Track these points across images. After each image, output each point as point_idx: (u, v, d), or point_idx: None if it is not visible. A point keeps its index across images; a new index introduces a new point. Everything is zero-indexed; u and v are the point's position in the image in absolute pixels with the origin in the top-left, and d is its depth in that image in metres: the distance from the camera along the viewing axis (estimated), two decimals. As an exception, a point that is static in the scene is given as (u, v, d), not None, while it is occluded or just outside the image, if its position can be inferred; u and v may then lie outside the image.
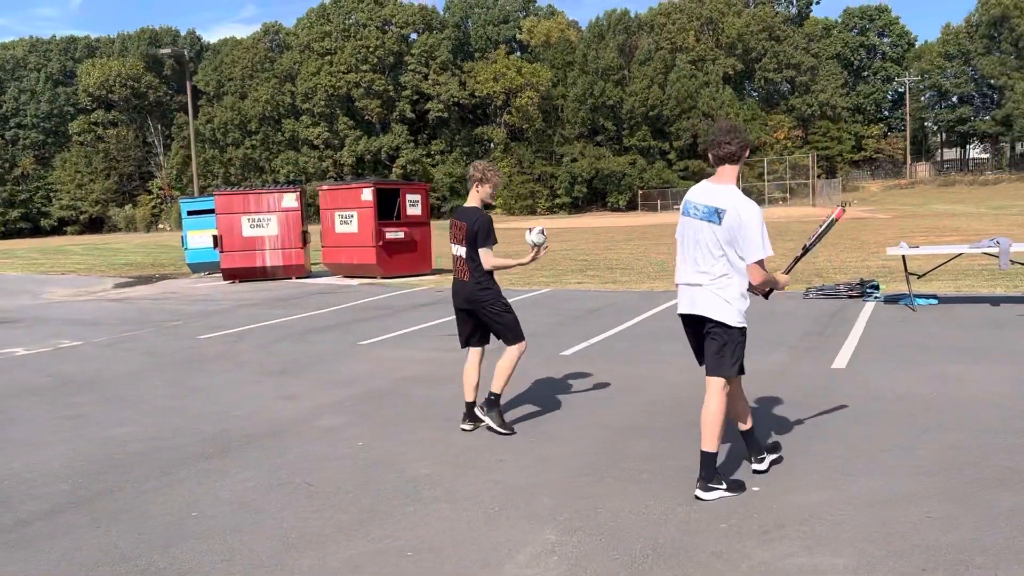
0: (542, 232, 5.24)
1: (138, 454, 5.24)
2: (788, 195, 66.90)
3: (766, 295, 4.22)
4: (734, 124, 4.13)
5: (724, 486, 4.03)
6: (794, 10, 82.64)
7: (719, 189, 4.06)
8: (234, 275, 17.95)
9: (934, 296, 10.31)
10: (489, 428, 5.37)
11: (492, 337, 5.57)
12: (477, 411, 5.45)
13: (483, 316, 5.39)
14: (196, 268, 20.41)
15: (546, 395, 6.37)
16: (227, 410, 6.33)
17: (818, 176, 66.10)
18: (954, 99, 73.42)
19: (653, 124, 71.14)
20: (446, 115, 78.73)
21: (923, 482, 4.13)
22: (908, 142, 75.60)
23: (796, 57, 74.34)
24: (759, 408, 5.64)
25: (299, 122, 78.85)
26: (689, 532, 3.67)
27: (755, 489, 4.15)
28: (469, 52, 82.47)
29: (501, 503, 4.13)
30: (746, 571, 3.26)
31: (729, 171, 4.09)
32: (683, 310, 4.26)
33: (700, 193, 4.16)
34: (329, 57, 77.61)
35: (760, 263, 3.96)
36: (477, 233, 5.25)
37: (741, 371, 4.19)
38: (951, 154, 79.60)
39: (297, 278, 18.10)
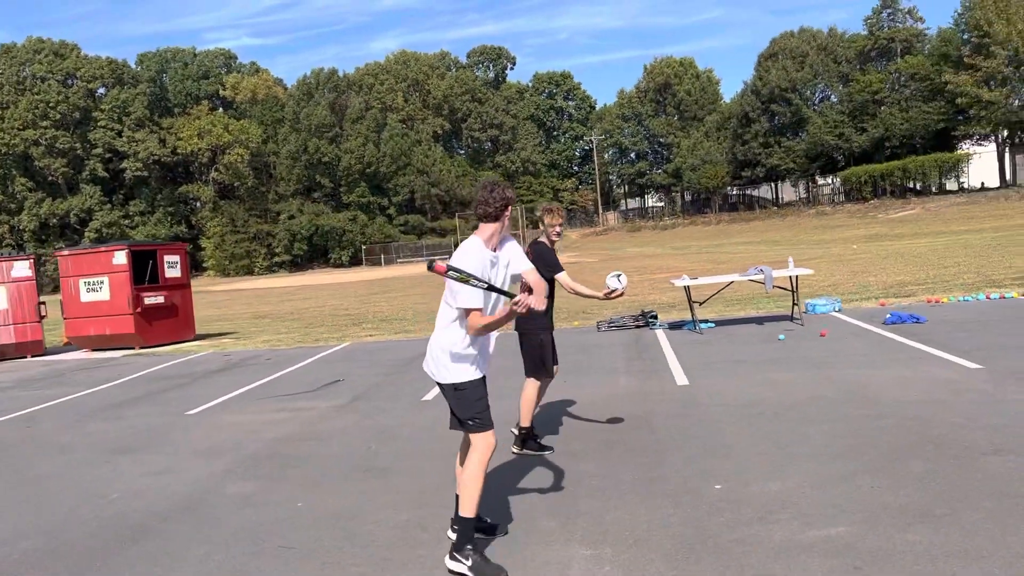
0: (619, 278, 5.67)
1: (34, 551, 4.53)
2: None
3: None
4: (495, 182, 4.03)
5: (469, 563, 3.72)
6: (492, 74, 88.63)
7: (464, 244, 3.94)
8: (-50, 358, 15.38)
9: (710, 320, 11.80)
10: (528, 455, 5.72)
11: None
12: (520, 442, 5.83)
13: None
14: None
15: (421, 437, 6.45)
16: (100, 493, 5.63)
17: (525, 227, 70.85)
18: (633, 155, 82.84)
19: (371, 180, 72.02)
20: (145, 174, 73.47)
21: (843, 463, 4.90)
22: (598, 194, 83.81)
23: (498, 118, 79.63)
24: (667, 423, 6.22)
25: (-37, 184, 69.02)
26: (694, 529, 4.05)
27: (717, 487, 4.66)
28: (168, 108, 77.87)
29: (517, 524, 4.22)
30: (777, 547, 3.72)
31: (485, 228, 3.94)
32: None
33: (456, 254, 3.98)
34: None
35: (471, 311, 3.75)
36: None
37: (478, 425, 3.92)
38: (634, 203, 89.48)
39: (33, 356, 15.93)
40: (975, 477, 4.41)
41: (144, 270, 16.01)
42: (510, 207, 4.00)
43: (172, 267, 16.34)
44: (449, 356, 3.90)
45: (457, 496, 3.92)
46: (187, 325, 16.60)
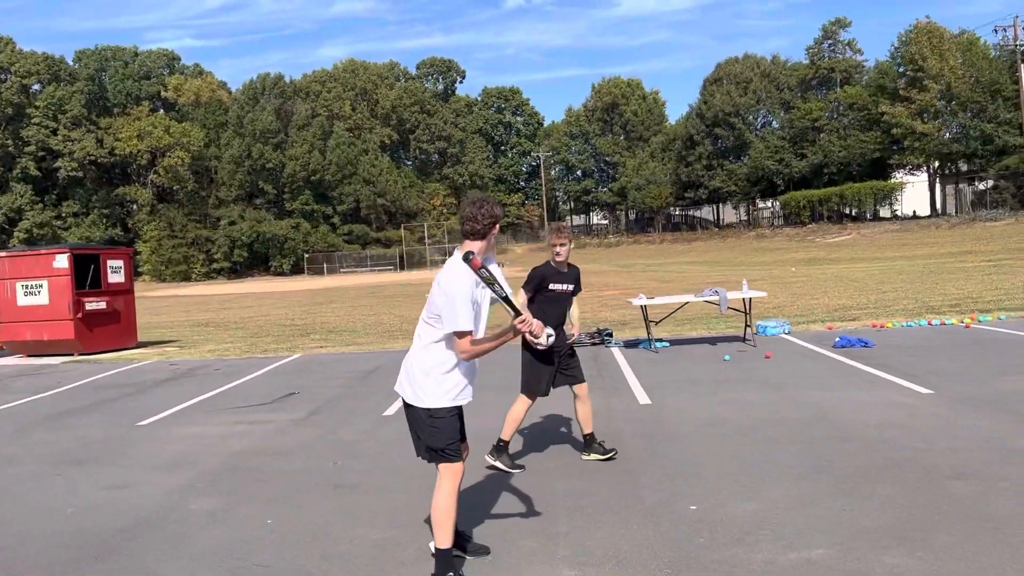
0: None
1: (-3, 569, 4.34)
2: (447, 257, 70.23)
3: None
4: (484, 198, 3.89)
5: None
6: (441, 87, 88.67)
7: (447, 263, 3.85)
8: None
9: (664, 340, 11.96)
10: (497, 469, 5.74)
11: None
12: (491, 456, 5.83)
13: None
14: None
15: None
16: (54, 508, 5.42)
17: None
18: (579, 172, 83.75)
19: (315, 188, 71.18)
20: (80, 174, 71.30)
21: (812, 484, 5.01)
22: (544, 209, 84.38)
23: (446, 130, 79.67)
24: (636, 443, 6.27)
25: None
26: (675, 549, 4.09)
27: (692, 507, 4.71)
28: (107, 107, 75.79)
29: (498, 544, 4.19)
30: (759, 570, 3.78)
31: (470, 246, 3.82)
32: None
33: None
34: (-75, 104, 66.43)
35: (463, 335, 3.63)
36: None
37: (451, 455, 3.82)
38: (579, 220, 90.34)
39: (-36, 360, 15.25)
40: (942, 500, 4.56)
41: (86, 274, 15.50)
42: (497, 225, 3.89)
43: (116, 272, 15.85)
44: (430, 379, 3.74)
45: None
46: (129, 332, 16.12)
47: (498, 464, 5.76)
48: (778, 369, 9.31)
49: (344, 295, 34.12)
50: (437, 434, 3.75)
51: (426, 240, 71.24)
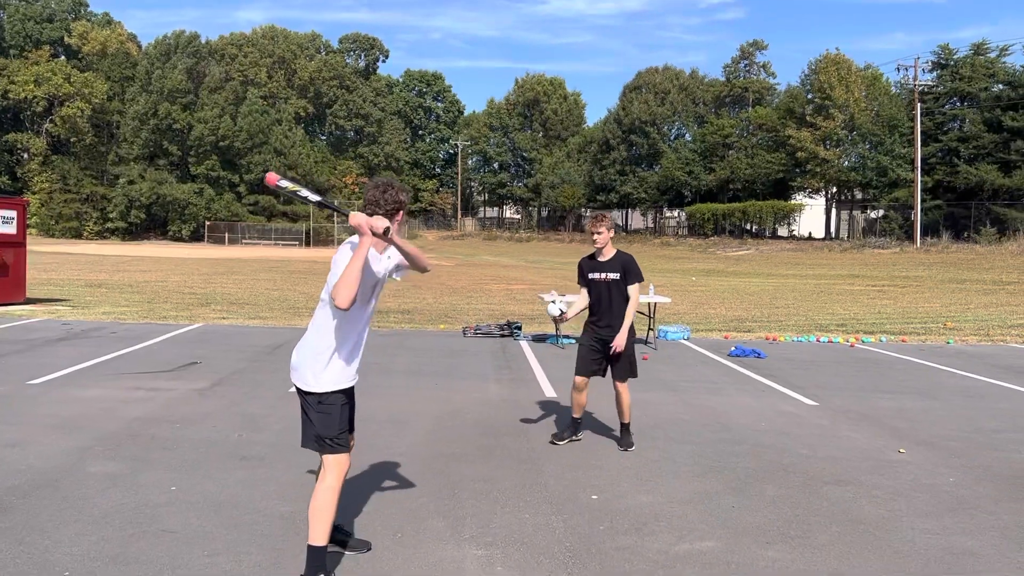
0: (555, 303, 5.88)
1: None
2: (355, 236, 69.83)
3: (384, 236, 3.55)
4: (388, 182, 3.80)
5: None
6: (363, 64, 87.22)
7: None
8: None
9: (571, 337, 12.26)
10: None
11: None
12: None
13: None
14: None
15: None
16: (-59, 463, 5.20)
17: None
18: (496, 165, 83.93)
19: (223, 155, 68.87)
20: (-33, 115, 66.90)
21: (705, 482, 5.31)
22: (459, 198, 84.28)
23: (365, 108, 78.46)
24: (540, 432, 6.46)
25: None
26: (577, 535, 4.29)
27: (594, 497, 4.93)
28: (2, 48, 71.31)
29: (406, 524, 4.29)
30: (655, 558, 4.02)
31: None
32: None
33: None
34: None
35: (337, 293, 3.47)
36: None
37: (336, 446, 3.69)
38: (492, 212, 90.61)
39: None
40: (822, 503, 4.92)
41: (-27, 222, 14.68)
42: (402, 212, 3.76)
43: (7, 223, 15.07)
44: (319, 362, 3.62)
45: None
46: (18, 287, 15.35)
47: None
48: (677, 372, 9.71)
49: (246, 267, 33.27)
50: (327, 422, 3.62)
51: (335, 218, 70.09)
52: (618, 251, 6.09)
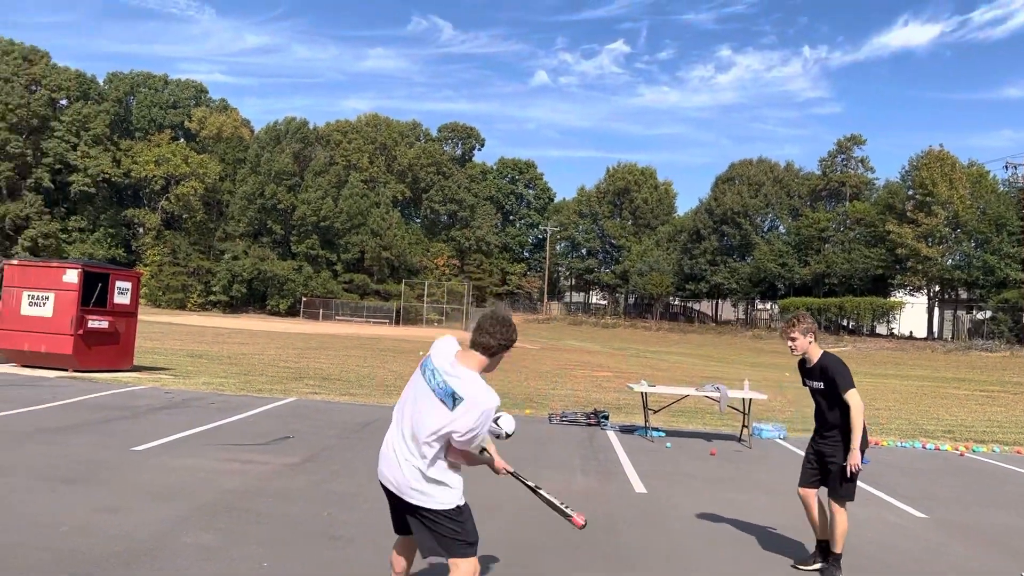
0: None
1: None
2: (443, 317, 70.91)
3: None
4: (508, 319, 3.80)
5: None
6: (459, 151, 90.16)
7: (463, 373, 3.66)
8: None
9: (661, 429, 11.98)
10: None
11: None
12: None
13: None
14: None
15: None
16: (48, 524, 5.40)
17: (470, 303, 71.21)
18: (584, 251, 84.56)
19: (323, 234, 71.70)
20: (93, 191, 71.81)
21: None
22: (545, 282, 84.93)
23: (459, 194, 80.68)
24: (630, 530, 6.27)
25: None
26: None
27: (688, 604, 4.72)
28: (129, 130, 76.90)
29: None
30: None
31: (473, 356, 3.73)
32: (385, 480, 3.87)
33: (442, 360, 3.73)
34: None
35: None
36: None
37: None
38: (578, 297, 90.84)
39: (-43, 362, 15.20)
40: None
41: (92, 292, 15.57)
42: (509, 351, 3.81)
43: (123, 293, 15.93)
44: (448, 478, 3.77)
45: None
46: (127, 354, 16.10)
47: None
48: (772, 474, 9.32)
49: (338, 343, 34.06)
50: (468, 528, 3.76)
51: (425, 298, 71.47)
52: (824, 353, 5.58)
